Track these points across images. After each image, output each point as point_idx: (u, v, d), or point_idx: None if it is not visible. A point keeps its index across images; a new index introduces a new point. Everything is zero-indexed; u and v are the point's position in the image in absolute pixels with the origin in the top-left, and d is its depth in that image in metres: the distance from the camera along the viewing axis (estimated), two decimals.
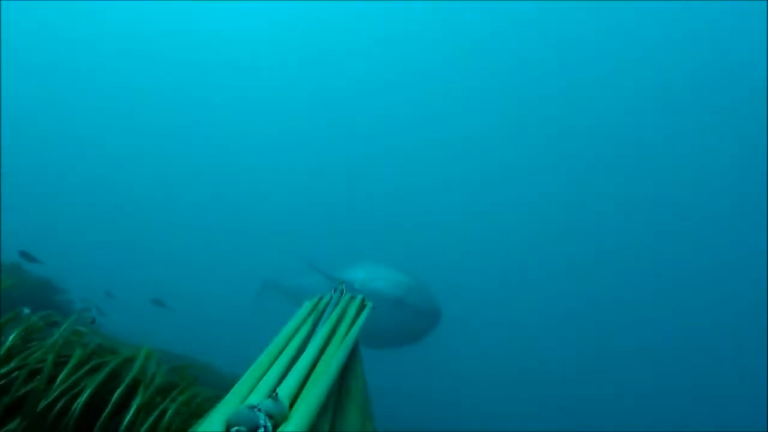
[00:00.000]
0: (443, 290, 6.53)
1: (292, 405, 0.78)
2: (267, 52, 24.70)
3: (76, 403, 1.44)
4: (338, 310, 1.18)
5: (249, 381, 0.85)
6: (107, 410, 1.45)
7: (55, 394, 1.45)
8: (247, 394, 0.81)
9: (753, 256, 18.44)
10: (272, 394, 0.77)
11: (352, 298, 1.28)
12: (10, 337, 1.58)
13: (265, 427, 0.68)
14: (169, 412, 1.52)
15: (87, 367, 1.55)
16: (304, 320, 1.12)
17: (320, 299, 1.25)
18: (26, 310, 1.78)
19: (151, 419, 1.47)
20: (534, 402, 12.82)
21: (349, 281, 6.19)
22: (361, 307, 1.25)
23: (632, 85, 20.87)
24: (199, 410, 1.61)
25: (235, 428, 0.67)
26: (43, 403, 1.43)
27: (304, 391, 0.83)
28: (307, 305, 1.21)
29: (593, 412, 12.69)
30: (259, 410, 0.71)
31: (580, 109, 21.74)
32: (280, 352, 0.96)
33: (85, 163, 20.18)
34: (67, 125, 21.42)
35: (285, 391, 0.80)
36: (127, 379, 1.55)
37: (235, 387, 0.83)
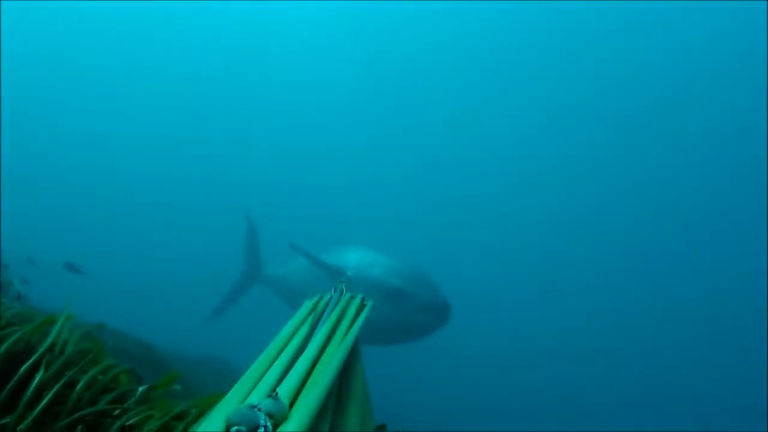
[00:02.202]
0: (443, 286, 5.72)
1: (292, 404, 0.78)
2: (265, 52, 24.77)
3: None
4: (338, 309, 1.19)
5: (249, 380, 0.85)
6: (9, 386, 1.37)
7: None
8: (247, 393, 0.81)
9: (754, 257, 18.46)
10: (272, 393, 0.77)
11: (352, 297, 1.29)
12: None
13: (265, 426, 0.68)
14: (80, 384, 1.41)
15: None
16: (304, 320, 1.12)
17: (320, 299, 1.25)
18: None
19: (51, 393, 1.37)
20: (537, 401, 12.82)
21: (341, 267, 5.40)
22: (361, 307, 1.25)
23: (634, 84, 20.91)
24: (113, 384, 1.51)
25: (235, 428, 0.66)
26: None
27: (304, 391, 0.83)
28: (307, 304, 1.22)
29: (596, 412, 12.69)
30: (259, 410, 0.70)
31: (581, 109, 21.77)
32: (280, 352, 0.96)
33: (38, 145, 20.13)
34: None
35: (285, 390, 0.81)
36: (40, 350, 1.46)
37: (235, 386, 0.83)
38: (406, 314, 5.15)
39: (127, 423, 1.35)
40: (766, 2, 17.14)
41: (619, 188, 21.77)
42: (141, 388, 1.49)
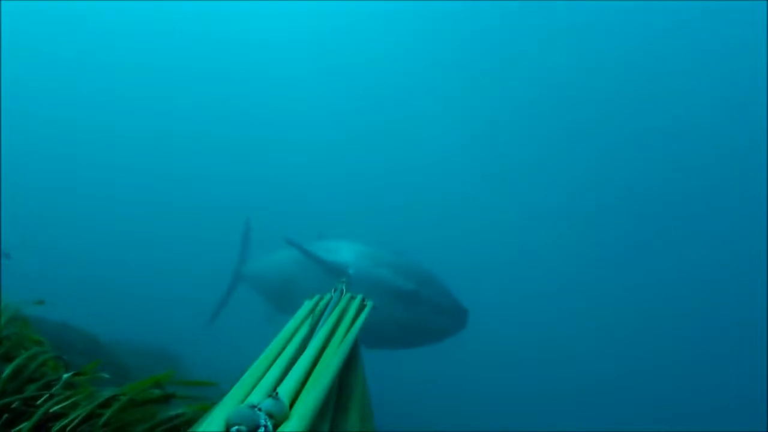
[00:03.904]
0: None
1: (292, 404, 0.78)
2: (250, 49, 24.89)
3: None
4: (338, 309, 1.19)
5: (249, 381, 0.85)
6: None
7: None
8: (247, 393, 0.81)
9: (755, 256, 18.45)
10: (273, 393, 0.77)
11: (352, 297, 1.29)
12: None
13: (266, 426, 0.68)
14: (5, 373, 1.37)
15: None
16: (304, 320, 1.12)
17: (320, 299, 1.25)
18: None
19: None
20: (537, 400, 12.82)
21: (340, 264, 4.94)
22: (361, 307, 1.26)
23: (633, 82, 20.92)
24: (40, 372, 1.46)
25: (236, 427, 0.67)
26: None
27: (305, 391, 0.83)
28: (306, 305, 1.22)
29: (596, 412, 12.68)
30: (260, 410, 0.71)
31: (580, 108, 21.77)
32: (280, 352, 0.96)
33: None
34: None
35: (285, 390, 0.81)
36: None
37: (235, 386, 0.83)
38: (420, 318, 4.71)
39: (51, 410, 1.31)
40: (766, 2, 17.15)
41: (622, 186, 21.76)
42: (65, 375, 1.45)
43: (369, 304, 1.29)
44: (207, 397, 1.36)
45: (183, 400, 1.37)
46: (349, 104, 24.35)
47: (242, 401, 0.78)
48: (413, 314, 4.68)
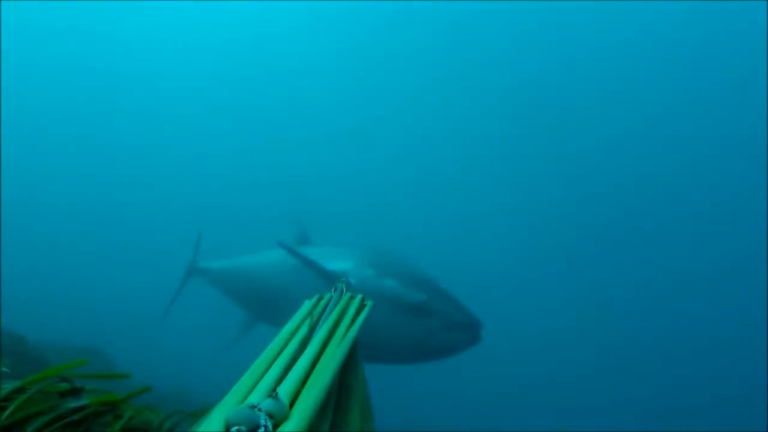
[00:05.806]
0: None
1: (292, 404, 0.78)
2: (265, 51, 24.87)
3: None
4: (338, 309, 1.19)
5: (248, 381, 0.85)
6: None
7: None
8: (247, 393, 0.81)
9: (754, 257, 18.47)
10: (272, 393, 0.77)
11: (352, 297, 1.29)
12: None
13: (266, 426, 0.68)
14: None
15: None
16: (303, 320, 1.12)
17: (320, 298, 1.25)
18: None
19: None
20: (537, 400, 12.82)
21: (341, 275, 4.28)
22: (361, 306, 1.25)
23: (634, 82, 20.95)
24: None
25: (235, 428, 0.66)
26: None
27: (305, 391, 0.83)
28: (306, 304, 1.22)
29: (595, 412, 12.69)
30: (260, 410, 0.70)
31: (578, 108, 21.79)
32: (279, 352, 0.96)
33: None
34: None
35: (285, 390, 0.81)
36: None
37: (235, 387, 0.83)
38: (430, 332, 4.29)
39: None
40: (766, 2, 17.15)
41: (621, 185, 21.78)
42: None
43: (369, 303, 1.29)
44: (119, 391, 1.32)
45: (93, 393, 1.33)
46: (332, 103, 24.32)
47: (242, 401, 0.78)
48: (423, 328, 4.29)
